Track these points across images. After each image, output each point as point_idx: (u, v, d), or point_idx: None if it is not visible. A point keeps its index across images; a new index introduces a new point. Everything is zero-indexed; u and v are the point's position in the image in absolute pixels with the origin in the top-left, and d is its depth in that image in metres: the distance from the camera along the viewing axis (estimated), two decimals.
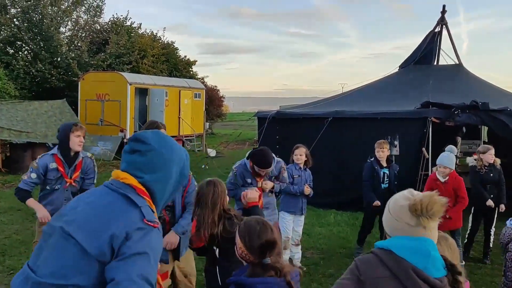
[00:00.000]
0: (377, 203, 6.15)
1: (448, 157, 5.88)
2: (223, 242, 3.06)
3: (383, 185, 6.32)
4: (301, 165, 5.88)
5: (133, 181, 1.82)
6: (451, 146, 6.17)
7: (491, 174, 6.50)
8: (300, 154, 5.87)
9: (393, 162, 6.45)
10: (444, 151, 6.47)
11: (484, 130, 14.77)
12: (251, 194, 3.28)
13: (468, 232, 6.60)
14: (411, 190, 1.98)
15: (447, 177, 5.79)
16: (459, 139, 14.37)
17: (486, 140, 14.75)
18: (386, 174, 6.36)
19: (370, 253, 1.95)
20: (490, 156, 6.47)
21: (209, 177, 3.51)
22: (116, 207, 1.74)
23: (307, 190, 5.79)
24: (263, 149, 4.86)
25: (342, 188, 9.21)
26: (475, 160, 6.63)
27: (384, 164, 6.38)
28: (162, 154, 1.86)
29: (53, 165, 4.47)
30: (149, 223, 1.72)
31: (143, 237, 1.69)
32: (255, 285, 2.22)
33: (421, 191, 6.57)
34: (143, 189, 1.82)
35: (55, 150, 4.52)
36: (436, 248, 1.87)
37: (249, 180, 4.92)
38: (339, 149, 9.29)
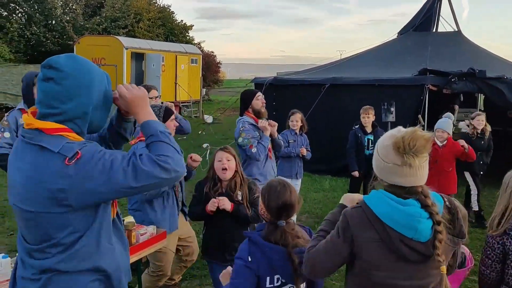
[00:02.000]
0: (355, 173, 6.40)
1: (446, 122, 6.00)
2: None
3: (367, 151, 6.36)
4: (297, 131, 5.92)
5: (39, 124, 1.74)
6: (448, 113, 6.25)
7: (482, 142, 6.57)
8: (296, 120, 5.91)
9: (378, 128, 6.48)
10: (442, 118, 6.53)
11: (481, 98, 14.82)
12: (222, 202, 3.37)
13: (475, 198, 6.73)
14: (400, 127, 1.94)
15: (445, 142, 5.87)
16: (456, 107, 14.43)
17: (482, 109, 14.81)
18: (370, 140, 6.41)
19: (360, 207, 1.93)
20: (478, 122, 6.54)
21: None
22: (38, 166, 1.71)
23: (303, 151, 5.84)
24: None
25: (337, 154, 9.26)
26: (468, 126, 6.73)
27: (369, 130, 6.42)
28: (79, 79, 1.75)
29: (22, 120, 4.11)
30: (72, 161, 1.68)
31: (77, 173, 1.68)
32: (264, 247, 2.29)
33: None
34: (55, 126, 1.74)
35: (21, 105, 4.15)
36: (423, 218, 1.83)
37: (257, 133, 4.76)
38: (336, 115, 9.31)
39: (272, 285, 2.36)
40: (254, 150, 4.57)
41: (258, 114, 4.77)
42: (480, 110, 14.79)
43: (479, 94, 14.47)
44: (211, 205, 3.36)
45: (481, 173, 6.84)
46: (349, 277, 2.03)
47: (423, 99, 8.51)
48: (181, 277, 4.38)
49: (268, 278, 2.34)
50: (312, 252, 1.99)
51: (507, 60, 11.58)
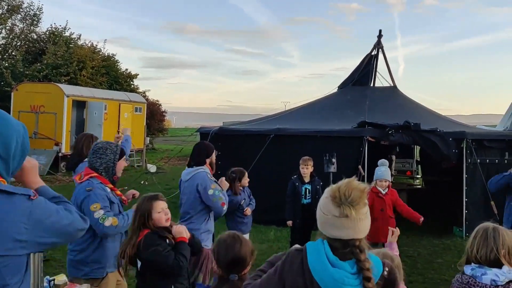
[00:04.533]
0: (289, 222, 6.51)
1: (386, 171, 6.21)
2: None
3: (304, 201, 6.50)
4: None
5: None
6: (382, 160, 6.45)
7: None
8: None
9: (315, 178, 6.62)
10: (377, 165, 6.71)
11: (417, 149, 15.56)
12: (178, 229, 3.24)
13: None
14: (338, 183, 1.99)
15: (387, 189, 6.08)
16: (394, 157, 15.05)
17: (418, 159, 15.53)
18: (308, 190, 6.54)
19: (301, 252, 1.94)
20: None
21: (150, 192, 3.45)
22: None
23: (247, 212, 5.83)
24: None
25: (281, 204, 9.26)
26: None
27: (307, 180, 6.54)
28: None
29: None
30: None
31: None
32: None
33: None
34: None
35: None
36: (348, 281, 1.84)
37: None
38: (280, 165, 9.40)
39: None
40: (225, 208, 4.48)
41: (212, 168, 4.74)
42: (416, 160, 15.52)
43: (415, 145, 15.22)
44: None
45: None
46: None
47: (362, 150, 8.80)
48: None
49: None
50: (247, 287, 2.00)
51: (438, 114, 12.31)
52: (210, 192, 4.38)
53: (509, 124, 11.30)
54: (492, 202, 7.66)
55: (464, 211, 8.69)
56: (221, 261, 2.34)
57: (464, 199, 8.72)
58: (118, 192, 3.70)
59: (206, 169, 4.58)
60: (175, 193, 10.11)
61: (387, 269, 1.97)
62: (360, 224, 1.90)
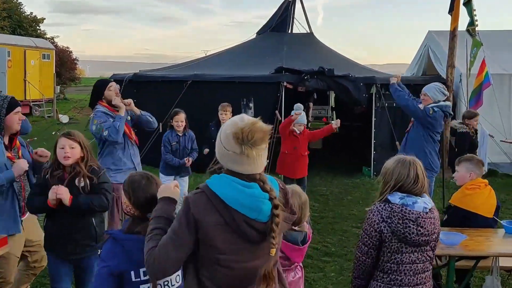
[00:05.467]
0: (206, 150, 6.21)
1: (303, 116, 6.49)
2: None
3: None
4: (180, 132, 5.85)
5: None
6: (298, 105, 6.64)
7: (478, 140, 6.88)
8: (181, 120, 5.85)
9: None
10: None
11: (332, 96, 16.13)
12: (62, 194, 3.09)
13: None
14: (243, 115, 1.99)
15: (302, 129, 6.50)
16: (311, 104, 15.51)
17: (333, 106, 16.16)
18: None
19: (202, 192, 1.95)
20: (476, 122, 6.78)
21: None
22: None
23: (188, 162, 5.78)
24: None
25: (200, 150, 9.35)
26: (466, 126, 6.69)
27: None
28: None
29: None
30: None
31: None
32: (123, 241, 2.32)
33: (274, 150, 6.89)
34: None
35: None
36: (266, 198, 1.92)
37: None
38: (199, 112, 9.31)
39: (138, 279, 2.32)
40: (105, 133, 4.39)
41: (112, 107, 4.56)
42: (331, 107, 16.13)
43: (330, 93, 15.74)
44: (51, 194, 3.07)
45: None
46: (193, 266, 1.99)
47: (279, 96, 8.96)
48: (29, 286, 3.98)
49: (132, 273, 2.31)
50: (156, 252, 1.93)
51: (352, 61, 12.73)
52: (93, 128, 4.46)
53: (416, 71, 11.99)
54: (397, 143, 8.22)
55: (373, 152, 9.27)
56: (139, 201, 2.34)
57: (373, 141, 9.28)
58: (9, 154, 3.42)
59: (98, 106, 4.57)
60: (90, 142, 9.74)
61: (280, 184, 2.09)
62: (259, 161, 1.96)
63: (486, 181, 4.13)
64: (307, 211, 2.90)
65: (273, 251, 1.92)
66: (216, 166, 2.04)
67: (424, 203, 2.59)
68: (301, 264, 3.03)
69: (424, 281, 2.65)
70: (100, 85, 4.68)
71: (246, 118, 1.96)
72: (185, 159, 5.79)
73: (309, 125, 14.54)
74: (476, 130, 6.81)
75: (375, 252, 2.62)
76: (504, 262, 3.96)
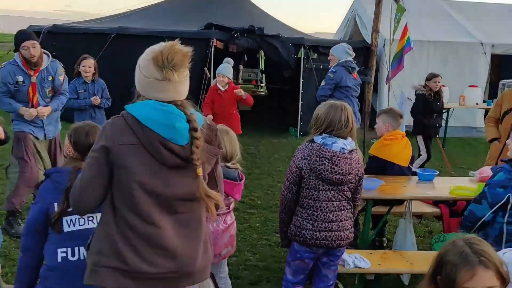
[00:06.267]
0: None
1: (226, 67, 6.23)
2: None
3: None
4: (88, 79, 5.48)
5: None
6: (227, 58, 6.49)
7: (438, 103, 6.69)
8: (88, 65, 5.42)
9: None
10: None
11: (262, 59, 16.16)
12: None
13: (421, 162, 6.65)
14: (161, 43, 1.93)
15: (227, 86, 6.16)
16: (241, 66, 15.44)
17: (263, 69, 16.21)
18: None
19: (121, 116, 1.91)
20: (435, 84, 6.56)
21: None
22: None
23: (96, 100, 5.42)
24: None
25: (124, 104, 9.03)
26: (424, 87, 6.65)
27: None
28: None
29: None
30: None
31: None
32: (52, 174, 2.41)
33: (201, 107, 6.61)
34: None
35: None
36: (182, 117, 1.88)
37: (20, 78, 4.33)
38: (123, 67, 8.94)
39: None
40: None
41: (28, 64, 4.34)
42: (261, 70, 16.18)
43: (260, 56, 15.76)
44: None
45: (437, 136, 6.93)
46: (110, 195, 1.93)
47: (209, 53, 8.81)
48: None
49: (55, 204, 2.30)
50: (74, 188, 1.93)
51: (281, 22, 12.73)
52: None
53: (342, 36, 12.26)
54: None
55: (300, 113, 9.45)
56: (81, 146, 2.40)
57: (300, 102, 9.44)
58: None
59: (11, 64, 4.37)
60: None
61: (208, 120, 2.07)
62: (182, 87, 1.93)
63: (403, 132, 4.35)
64: (237, 147, 2.96)
65: (199, 170, 1.89)
66: (138, 98, 1.99)
67: (344, 144, 2.69)
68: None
69: (341, 218, 2.77)
70: (17, 38, 4.38)
71: (163, 43, 1.92)
72: (92, 98, 5.44)
73: (238, 87, 14.52)
74: (436, 93, 6.54)
75: (295, 187, 2.74)
76: (415, 208, 4.23)
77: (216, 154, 2.07)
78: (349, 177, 2.72)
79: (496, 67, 10.95)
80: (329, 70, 5.93)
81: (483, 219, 2.92)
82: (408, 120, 8.88)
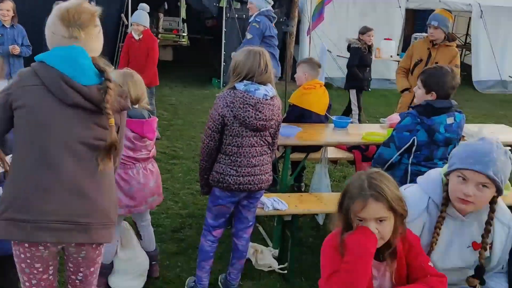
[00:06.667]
0: None
1: (141, 14, 5.95)
2: None
3: None
4: (7, 23, 5.01)
5: None
6: (142, 4, 6.19)
7: (370, 57, 6.71)
8: (7, 9, 4.98)
9: None
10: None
11: (183, 8, 15.60)
12: None
13: (356, 117, 6.69)
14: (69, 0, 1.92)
15: (142, 35, 5.92)
16: (161, 15, 14.82)
17: (185, 18, 15.69)
18: None
19: (29, 67, 1.88)
20: (369, 38, 6.57)
21: None
22: None
23: (15, 49, 4.99)
24: None
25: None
26: (359, 41, 6.61)
27: None
28: None
29: None
30: None
31: None
32: None
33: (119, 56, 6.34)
34: None
35: None
36: (86, 56, 1.88)
37: None
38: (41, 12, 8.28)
39: None
40: None
41: None
42: (182, 19, 15.65)
43: (181, 3, 15.19)
44: None
45: (369, 89, 6.94)
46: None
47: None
48: None
49: None
50: None
51: None
52: None
53: None
54: None
55: (222, 63, 9.36)
56: None
57: (223, 52, 9.33)
58: None
59: None
60: None
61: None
62: (91, 44, 1.91)
63: (321, 82, 4.48)
64: (143, 90, 2.95)
65: (112, 120, 1.86)
66: None
67: (266, 90, 2.72)
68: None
69: (262, 163, 2.85)
70: None
71: (72, 1, 1.89)
72: (11, 47, 5.05)
73: (159, 37, 14.01)
74: (369, 46, 6.69)
75: (218, 135, 2.73)
76: (331, 154, 4.44)
77: (124, 107, 2.03)
78: (271, 123, 2.78)
79: (410, 21, 11.48)
80: (252, 20, 5.87)
81: (390, 160, 3.12)
82: (328, 72, 9.19)
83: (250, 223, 3.05)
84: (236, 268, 3.09)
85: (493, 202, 1.92)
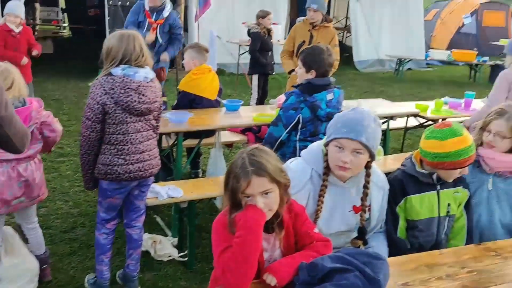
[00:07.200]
0: None
1: (17, 5, 5.56)
2: None
3: None
4: None
5: None
6: None
7: (271, 41, 6.55)
8: None
9: None
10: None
11: None
12: None
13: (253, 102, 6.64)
14: None
15: (21, 28, 5.50)
16: (37, 5, 13.74)
17: (64, 7, 14.73)
18: None
19: None
20: (269, 21, 6.49)
21: None
22: None
23: None
24: None
25: None
26: (258, 25, 6.51)
27: None
28: None
29: None
30: None
31: None
32: None
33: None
34: None
35: None
36: None
37: None
38: None
39: None
40: None
41: None
42: (62, 9, 14.67)
43: None
44: None
45: (273, 73, 6.81)
46: None
47: None
48: None
49: None
50: None
51: None
52: None
53: None
54: None
55: None
56: None
57: None
58: None
59: None
60: None
61: None
62: None
63: (210, 67, 4.48)
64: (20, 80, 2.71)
65: None
66: None
67: (145, 73, 2.66)
68: (39, 157, 2.86)
69: (150, 147, 2.79)
70: None
71: None
72: None
73: (36, 28, 13.01)
74: (269, 30, 6.72)
75: (99, 125, 2.62)
76: (225, 138, 4.48)
77: None
78: (155, 105, 2.73)
79: (294, 6, 11.89)
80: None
81: (280, 139, 3.23)
82: (220, 58, 9.20)
83: (142, 211, 3.00)
84: (134, 258, 3.01)
85: (368, 167, 2.07)
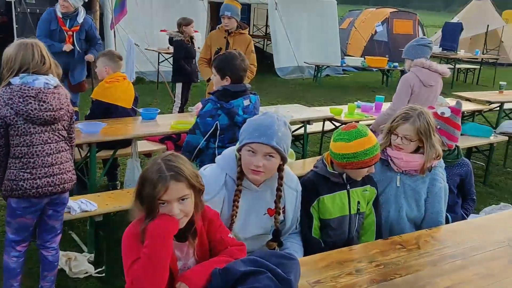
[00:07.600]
0: None
1: None
2: None
3: None
4: None
5: None
6: None
7: (194, 49, 6.64)
8: None
9: None
10: None
11: None
12: None
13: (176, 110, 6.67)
14: None
15: None
16: None
17: None
18: None
19: None
20: (191, 29, 6.67)
21: None
22: None
23: None
24: None
25: None
26: (182, 34, 6.54)
27: None
28: None
29: None
30: None
31: None
32: None
33: None
34: None
35: None
36: None
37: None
38: None
39: None
40: None
41: None
42: None
43: None
44: None
45: (198, 81, 6.78)
46: None
47: None
48: None
49: None
50: None
51: None
52: None
53: None
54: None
55: None
56: None
57: None
58: None
59: None
60: None
61: None
62: None
63: (124, 74, 4.35)
64: None
65: None
66: None
67: (47, 79, 2.56)
68: None
69: (61, 160, 2.65)
70: None
71: None
72: None
73: None
74: (192, 38, 6.74)
75: (3, 140, 2.48)
76: (143, 147, 4.37)
77: None
78: (61, 113, 2.59)
79: (214, 14, 11.92)
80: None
81: (198, 147, 3.20)
82: (139, 66, 8.99)
83: (58, 231, 2.83)
84: (49, 280, 2.84)
85: (280, 170, 2.10)
